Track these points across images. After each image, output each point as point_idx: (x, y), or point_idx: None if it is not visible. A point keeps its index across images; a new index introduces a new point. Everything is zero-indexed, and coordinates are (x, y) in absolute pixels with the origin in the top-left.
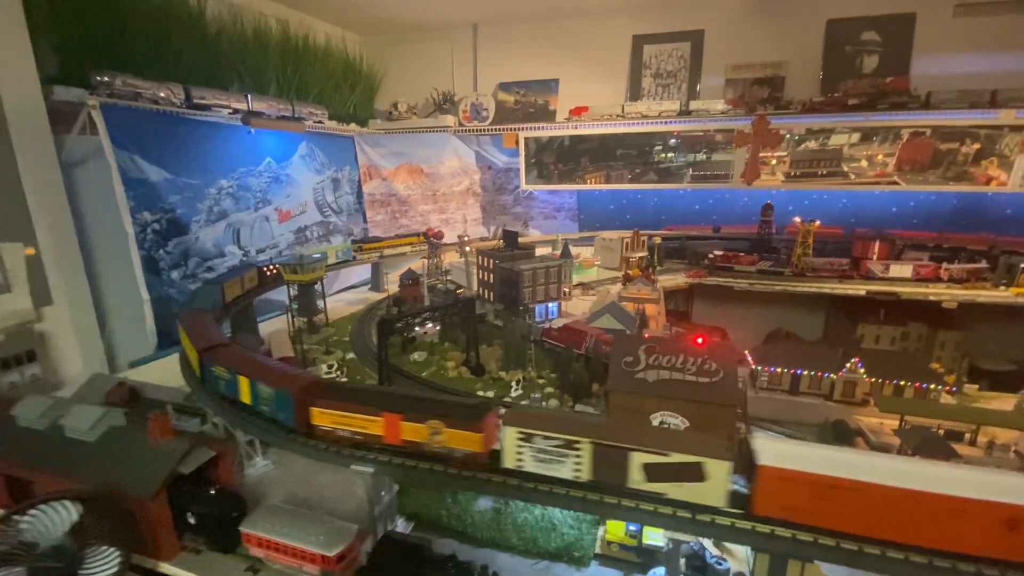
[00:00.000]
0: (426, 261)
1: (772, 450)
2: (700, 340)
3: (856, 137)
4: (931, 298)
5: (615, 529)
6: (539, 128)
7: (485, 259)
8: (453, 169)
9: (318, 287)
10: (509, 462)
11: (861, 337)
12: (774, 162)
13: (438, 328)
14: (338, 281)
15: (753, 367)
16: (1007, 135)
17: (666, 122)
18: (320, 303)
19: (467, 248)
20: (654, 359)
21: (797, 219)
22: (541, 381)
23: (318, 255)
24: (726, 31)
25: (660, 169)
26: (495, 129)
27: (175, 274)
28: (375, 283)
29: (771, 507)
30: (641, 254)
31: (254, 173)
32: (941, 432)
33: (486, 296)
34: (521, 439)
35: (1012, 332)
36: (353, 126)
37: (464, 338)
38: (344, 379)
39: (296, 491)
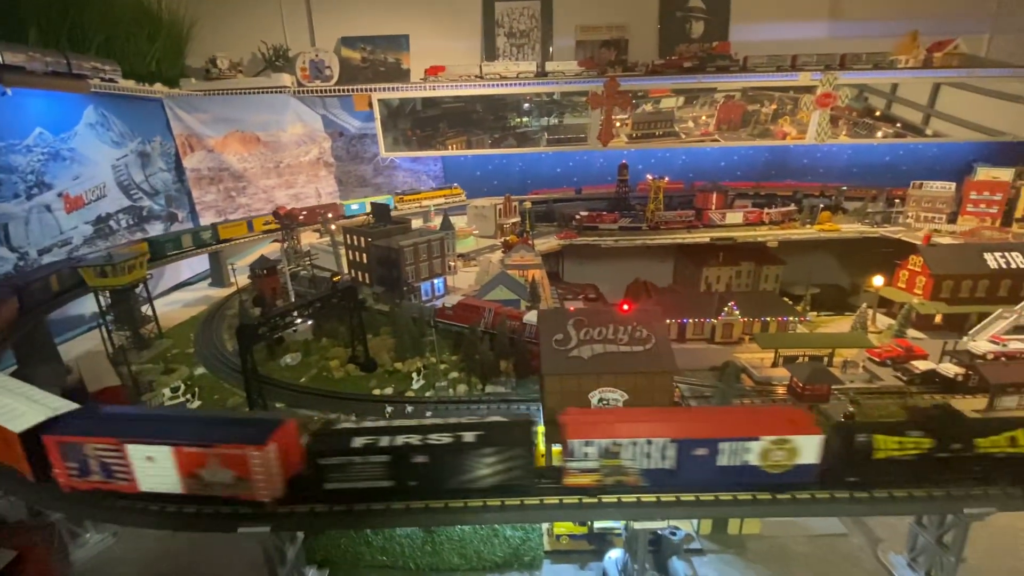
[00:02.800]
0: (281, 245)
1: None
2: (626, 307)
3: (681, 100)
4: (759, 239)
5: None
6: (394, 89)
7: (355, 237)
8: (297, 136)
9: (140, 290)
10: None
11: (706, 279)
12: (619, 124)
13: (311, 323)
14: (164, 280)
15: None
16: (804, 95)
17: (524, 84)
18: (147, 310)
19: (332, 227)
20: (585, 333)
21: (649, 176)
22: (444, 366)
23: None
24: None
25: (518, 134)
26: (343, 90)
27: None
28: (216, 277)
29: None
30: (514, 220)
31: (19, 149)
32: (806, 359)
33: (362, 279)
34: None
35: (812, 261)
36: (159, 86)
37: (345, 331)
38: (197, 403)
39: (160, 568)
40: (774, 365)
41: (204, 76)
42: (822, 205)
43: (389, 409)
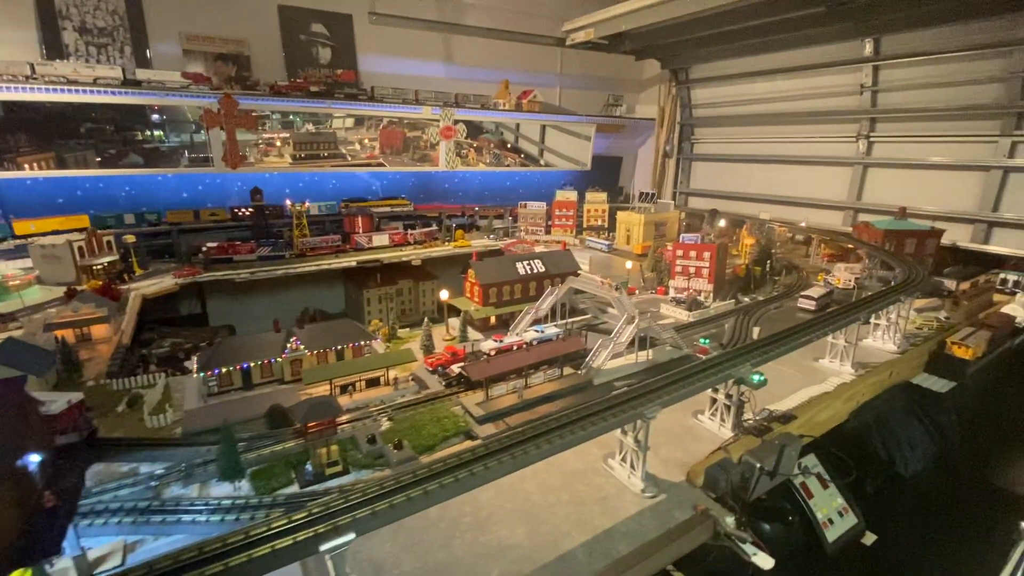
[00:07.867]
0: None
1: None
2: None
3: (351, 122)
4: (404, 259)
5: None
6: None
7: None
8: None
9: None
10: None
11: (367, 300)
12: (279, 143)
13: None
14: None
15: (198, 374)
16: (432, 125)
17: (110, 92)
18: None
19: None
20: None
21: (288, 202)
22: None
23: None
24: None
25: (147, 150)
26: None
27: None
28: None
29: None
30: (110, 258)
31: None
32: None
33: None
34: None
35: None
36: None
37: None
38: None
39: None
40: (338, 396)
41: None
42: (455, 224)
43: None
